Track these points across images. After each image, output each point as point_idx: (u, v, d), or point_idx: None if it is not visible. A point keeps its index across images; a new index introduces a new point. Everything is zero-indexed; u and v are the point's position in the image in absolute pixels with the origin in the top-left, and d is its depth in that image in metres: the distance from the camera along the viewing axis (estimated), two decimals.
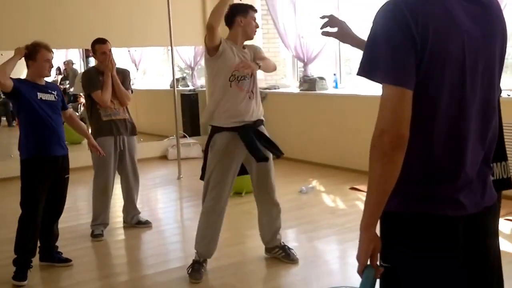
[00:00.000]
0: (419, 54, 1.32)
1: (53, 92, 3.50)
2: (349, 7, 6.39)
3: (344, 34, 2.09)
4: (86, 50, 9.43)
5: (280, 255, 3.57)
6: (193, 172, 6.37)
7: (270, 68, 3.50)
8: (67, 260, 3.69)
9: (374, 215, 1.39)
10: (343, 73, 6.82)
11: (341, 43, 6.88)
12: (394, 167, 1.34)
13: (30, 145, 3.39)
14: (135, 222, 4.43)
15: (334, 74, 6.63)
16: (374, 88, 6.21)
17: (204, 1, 7.40)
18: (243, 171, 3.44)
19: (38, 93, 3.40)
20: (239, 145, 3.28)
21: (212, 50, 3.21)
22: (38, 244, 3.57)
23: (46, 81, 3.55)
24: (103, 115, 4.17)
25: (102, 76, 4.16)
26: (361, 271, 1.41)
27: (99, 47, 4.19)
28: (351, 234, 4.04)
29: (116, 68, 4.25)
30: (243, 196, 5.06)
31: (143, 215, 4.53)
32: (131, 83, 4.48)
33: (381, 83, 1.36)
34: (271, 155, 3.42)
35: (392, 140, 1.31)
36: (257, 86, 3.38)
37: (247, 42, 3.44)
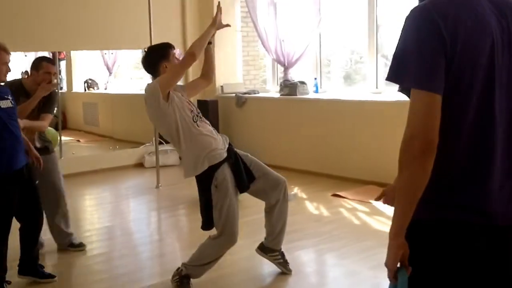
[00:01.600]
0: (449, 57, 1.31)
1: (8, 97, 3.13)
2: (331, 10, 6.32)
3: None
4: (53, 54, 9.17)
5: (277, 260, 3.42)
6: (172, 180, 6.20)
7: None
8: (51, 276, 3.43)
9: (403, 223, 1.37)
10: (323, 77, 6.75)
11: (321, 46, 6.82)
12: (424, 173, 1.32)
13: None
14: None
15: (315, 79, 6.55)
16: (354, 93, 6.18)
17: (183, 5, 7.23)
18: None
19: None
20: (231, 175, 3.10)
21: (167, 93, 2.97)
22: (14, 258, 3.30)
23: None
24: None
25: (24, 97, 3.61)
26: (392, 276, 1.39)
27: (46, 65, 3.68)
28: (338, 243, 3.99)
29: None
30: None
31: (116, 226, 4.29)
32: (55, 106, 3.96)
33: (410, 88, 1.33)
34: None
35: (422, 146, 1.30)
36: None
37: None
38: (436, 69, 1.30)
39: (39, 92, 3.60)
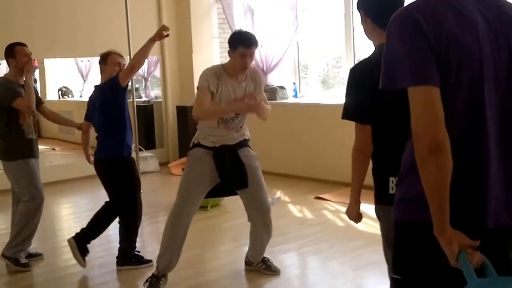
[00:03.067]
0: (436, 52, 1.31)
1: None
2: (308, 15, 6.39)
3: None
4: None
5: (260, 267, 3.47)
6: (153, 187, 6.15)
7: (265, 115, 3.23)
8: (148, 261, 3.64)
9: (441, 218, 1.31)
10: (302, 82, 6.81)
11: (299, 51, 6.87)
12: (440, 170, 1.28)
13: None
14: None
15: (294, 83, 6.60)
16: (332, 97, 6.25)
17: (159, 10, 7.21)
18: (229, 191, 3.32)
19: None
20: (213, 165, 3.17)
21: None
22: None
23: None
24: (26, 133, 3.72)
25: (18, 87, 3.66)
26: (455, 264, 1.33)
27: (20, 49, 3.68)
28: (322, 245, 4.01)
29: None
30: (208, 210, 4.89)
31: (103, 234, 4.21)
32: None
33: (406, 88, 1.32)
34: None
35: (428, 145, 1.28)
36: (246, 120, 3.29)
37: None
38: (428, 64, 1.30)
39: (27, 76, 3.65)
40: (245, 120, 3.27)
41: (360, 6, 2.00)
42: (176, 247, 3.20)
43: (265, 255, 3.53)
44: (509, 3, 1.49)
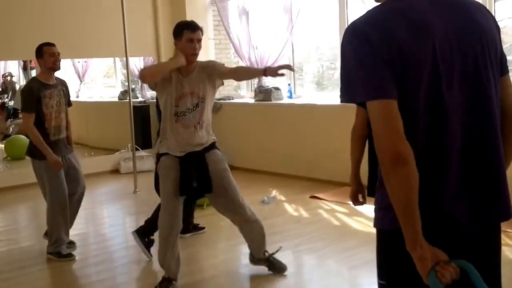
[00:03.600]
0: (390, 63, 1.30)
1: None
2: (303, 17, 6.46)
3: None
4: (24, 62, 9.01)
5: (266, 266, 3.48)
6: (150, 185, 6.09)
7: (243, 73, 3.52)
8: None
9: (411, 233, 1.30)
10: (297, 83, 6.88)
11: (294, 52, 6.92)
12: (404, 183, 1.27)
13: None
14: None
15: (289, 84, 6.67)
16: (327, 98, 6.33)
17: (155, 12, 7.28)
18: (193, 195, 3.37)
19: None
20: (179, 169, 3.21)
21: (151, 85, 3.25)
22: None
23: None
24: (51, 134, 3.85)
25: (44, 89, 3.81)
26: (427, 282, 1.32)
27: (48, 49, 3.84)
28: (319, 243, 4.07)
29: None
30: (204, 208, 4.95)
31: (91, 232, 4.25)
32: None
33: (363, 101, 1.32)
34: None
35: (389, 158, 1.27)
36: (207, 115, 3.24)
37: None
38: (382, 77, 1.29)
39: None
40: (204, 117, 3.21)
41: None
42: (172, 255, 3.21)
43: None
44: (475, 4, 1.47)
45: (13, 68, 9.18)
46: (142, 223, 4.99)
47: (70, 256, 3.92)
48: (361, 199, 2.15)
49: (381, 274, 1.48)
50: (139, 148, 7.00)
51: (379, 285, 1.49)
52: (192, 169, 3.19)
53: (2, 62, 8.56)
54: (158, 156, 3.30)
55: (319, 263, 3.80)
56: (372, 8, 1.40)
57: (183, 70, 3.16)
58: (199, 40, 3.13)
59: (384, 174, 1.30)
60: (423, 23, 1.34)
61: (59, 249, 3.89)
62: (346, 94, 1.36)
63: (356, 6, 6.02)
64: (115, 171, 7.13)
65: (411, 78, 1.31)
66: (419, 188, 1.29)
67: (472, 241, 1.40)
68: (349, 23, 1.41)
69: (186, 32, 3.10)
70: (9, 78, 9.14)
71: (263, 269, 3.48)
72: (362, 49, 1.31)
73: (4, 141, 8.10)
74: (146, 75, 3.14)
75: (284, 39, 6.41)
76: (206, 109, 3.21)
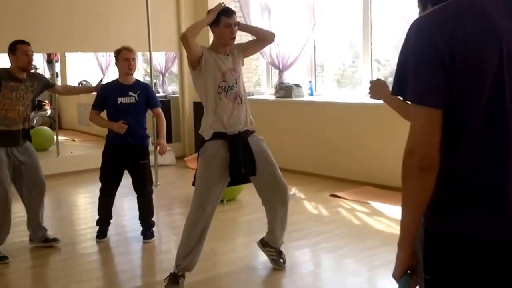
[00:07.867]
0: (448, 70, 1.27)
1: None
2: (325, 15, 6.43)
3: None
4: (48, 55, 9.14)
5: (272, 257, 3.51)
6: (170, 179, 6.28)
7: (261, 34, 3.58)
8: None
9: (408, 234, 1.37)
10: (317, 81, 6.85)
11: (316, 49, 6.89)
12: (423, 187, 1.32)
13: None
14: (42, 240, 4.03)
15: (310, 82, 6.65)
16: (348, 96, 6.29)
17: (178, 7, 7.31)
18: (240, 180, 3.36)
19: None
20: (226, 159, 3.21)
21: (194, 63, 3.19)
22: None
23: None
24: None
25: (11, 80, 3.76)
26: (397, 281, 1.42)
27: (21, 47, 3.79)
28: (341, 242, 4.05)
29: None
30: (225, 204, 4.97)
31: (112, 224, 4.29)
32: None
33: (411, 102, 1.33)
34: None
35: (420, 162, 1.30)
36: (244, 90, 3.35)
37: None
38: (435, 84, 1.28)
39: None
40: (242, 91, 3.29)
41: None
42: (196, 246, 3.20)
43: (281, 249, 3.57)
44: None
45: (38, 61, 9.33)
46: (162, 216, 5.07)
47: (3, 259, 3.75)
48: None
49: (427, 269, 1.45)
50: None
51: (425, 280, 1.47)
52: (241, 155, 3.22)
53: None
54: (202, 143, 3.28)
55: (339, 262, 3.78)
56: (442, 5, 1.34)
57: (222, 50, 3.27)
58: (236, 24, 3.26)
59: (407, 175, 1.33)
60: (491, 28, 1.29)
61: None
62: (399, 88, 1.37)
63: (380, 4, 5.98)
64: None
65: (469, 88, 1.28)
66: (467, 197, 1.31)
67: None
68: (415, 18, 1.36)
69: (224, 18, 3.19)
70: (33, 70, 9.28)
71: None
72: (424, 51, 1.29)
73: None
74: (187, 35, 3.13)
75: (306, 36, 6.39)
76: (242, 84, 3.34)
